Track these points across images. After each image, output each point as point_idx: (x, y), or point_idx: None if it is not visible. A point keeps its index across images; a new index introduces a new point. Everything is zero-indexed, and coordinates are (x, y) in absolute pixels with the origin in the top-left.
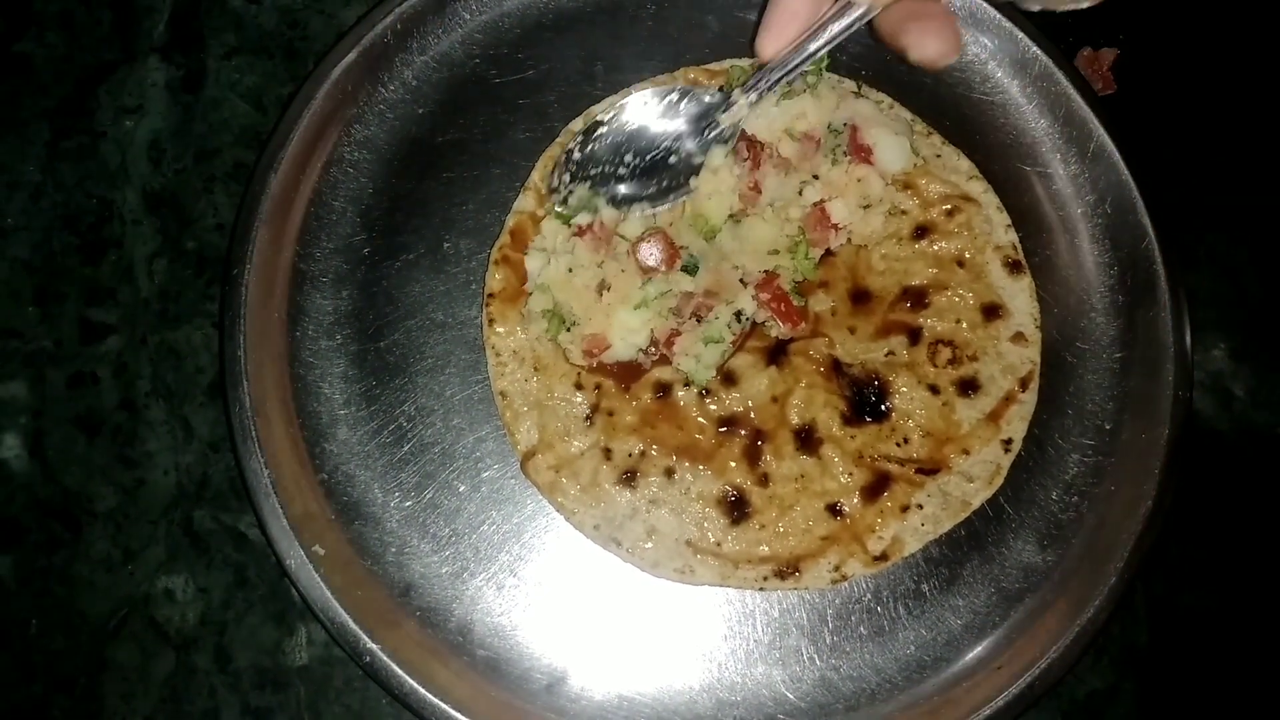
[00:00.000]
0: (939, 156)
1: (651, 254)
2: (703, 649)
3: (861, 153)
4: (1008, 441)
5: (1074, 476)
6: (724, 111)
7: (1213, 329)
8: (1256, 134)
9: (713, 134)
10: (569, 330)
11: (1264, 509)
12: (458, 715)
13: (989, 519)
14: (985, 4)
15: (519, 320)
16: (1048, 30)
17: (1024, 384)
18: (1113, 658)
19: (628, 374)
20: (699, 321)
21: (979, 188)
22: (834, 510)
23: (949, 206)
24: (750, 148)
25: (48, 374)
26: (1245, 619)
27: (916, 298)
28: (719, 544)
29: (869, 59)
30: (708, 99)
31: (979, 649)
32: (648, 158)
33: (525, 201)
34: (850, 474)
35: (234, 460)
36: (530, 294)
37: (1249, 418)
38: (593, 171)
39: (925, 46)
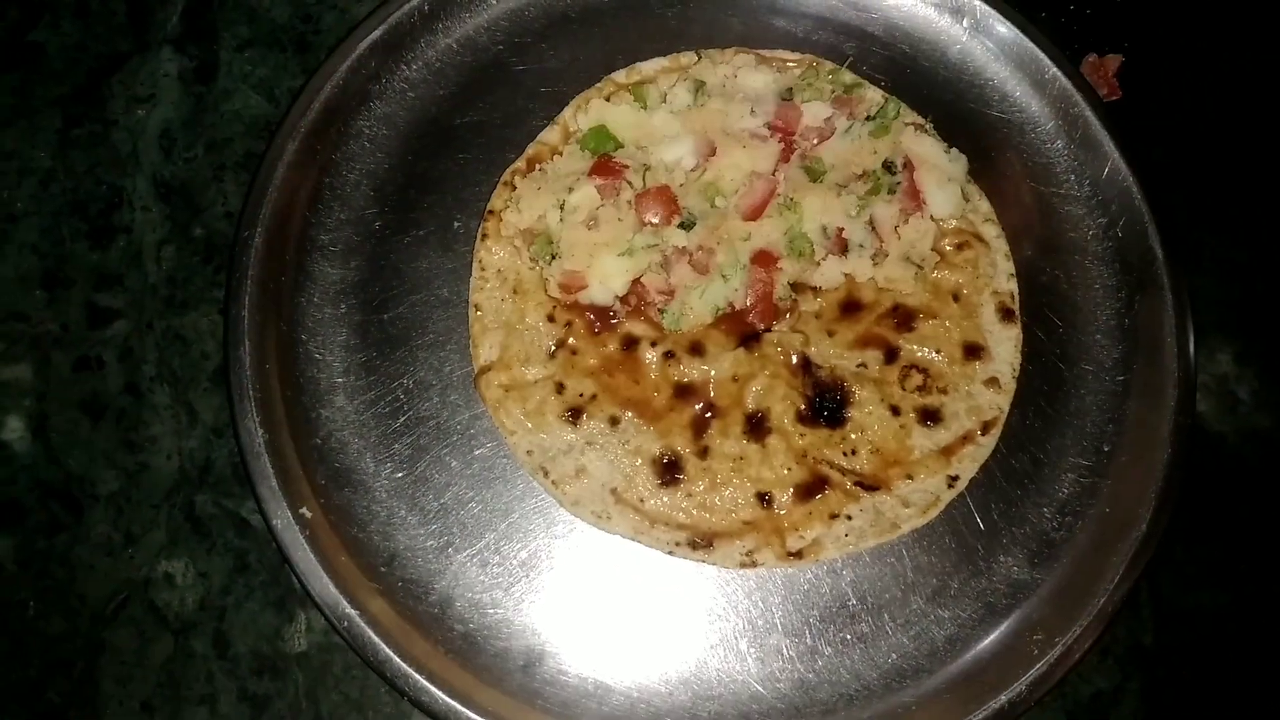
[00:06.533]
0: None
1: (651, 206)
2: (682, 642)
3: (915, 199)
4: (954, 478)
5: (1069, 496)
6: None
7: (1217, 332)
8: (1261, 138)
9: None
10: (551, 262)
11: (1268, 511)
12: (431, 687)
13: (981, 533)
14: (1004, 23)
15: (512, 241)
16: (1055, 37)
17: (986, 428)
18: (1118, 658)
19: (601, 319)
20: (695, 271)
21: (993, 231)
22: (763, 499)
23: (960, 241)
24: (786, 138)
25: (53, 357)
26: (1251, 620)
27: (905, 318)
28: (642, 500)
29: (889, 70)
30: None
31: (961, 662)
32: None
33: (550, 134)
34: (789, 469)
35: (230, 418)
36: (519, 210)
37: (1253, 421)
38: None
39: None
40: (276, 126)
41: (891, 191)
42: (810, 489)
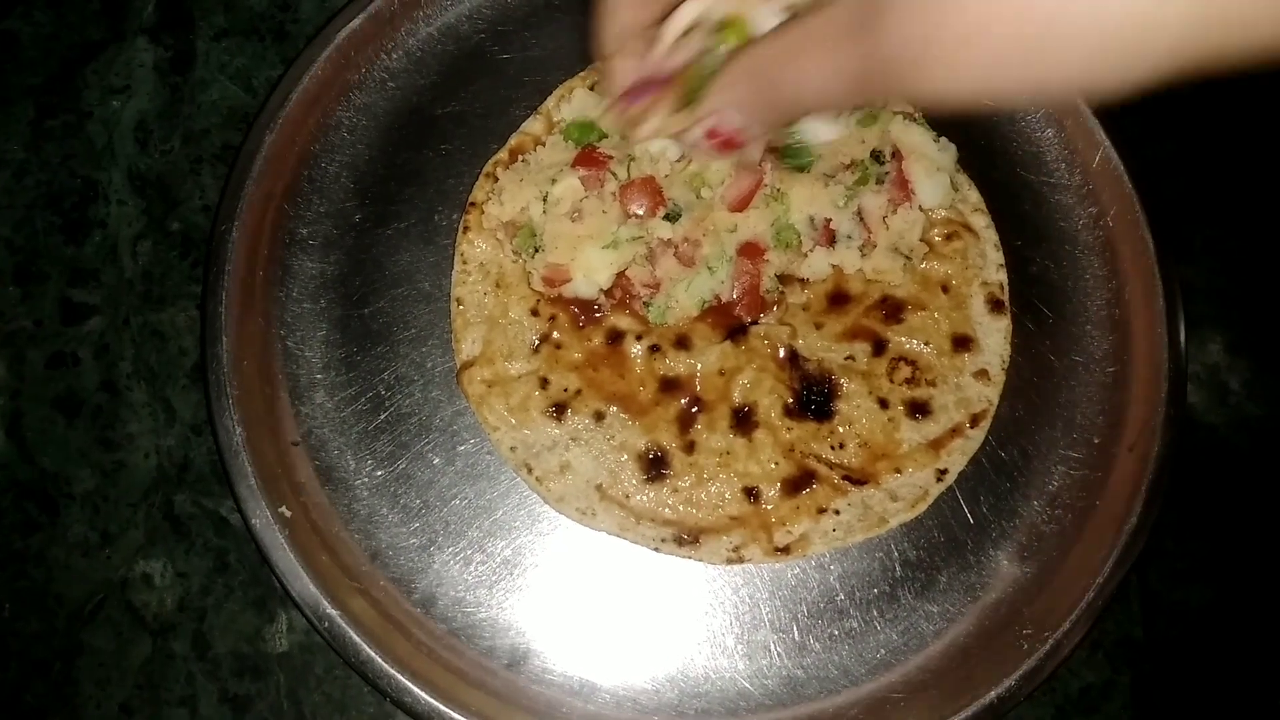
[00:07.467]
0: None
1: (636, 197)
2: (669, 639)
3: (903, 189)
4: (943, 471)
5: (1059, 489)
6: None
7: (1209, 322)
8: (1254, 126)
9: None
10: (534, 255)
11: (1259, 503)
12: (414, 687)
13: (969, 527)
14: None
15: (494, 234)
16: None
17: (975, 420)
18: (1107, 652)
19: (585, 313)
20: (680, 264)
21: (982, 221)
22: (750, 494)
23: (949, 231)
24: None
25: (27, 354)
26: (1241, 613)
27: (893, 309)
28: (628, 496)
29: None
30: None
31: (950, 657)
32: None
33: (533, 125)
34: (776, 463)
35: (207, 416)
36: (500, 202)
37: (1244, 411)
38: None
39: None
40: (254, 118)
41: (880, 181)
42: (798, 483)
